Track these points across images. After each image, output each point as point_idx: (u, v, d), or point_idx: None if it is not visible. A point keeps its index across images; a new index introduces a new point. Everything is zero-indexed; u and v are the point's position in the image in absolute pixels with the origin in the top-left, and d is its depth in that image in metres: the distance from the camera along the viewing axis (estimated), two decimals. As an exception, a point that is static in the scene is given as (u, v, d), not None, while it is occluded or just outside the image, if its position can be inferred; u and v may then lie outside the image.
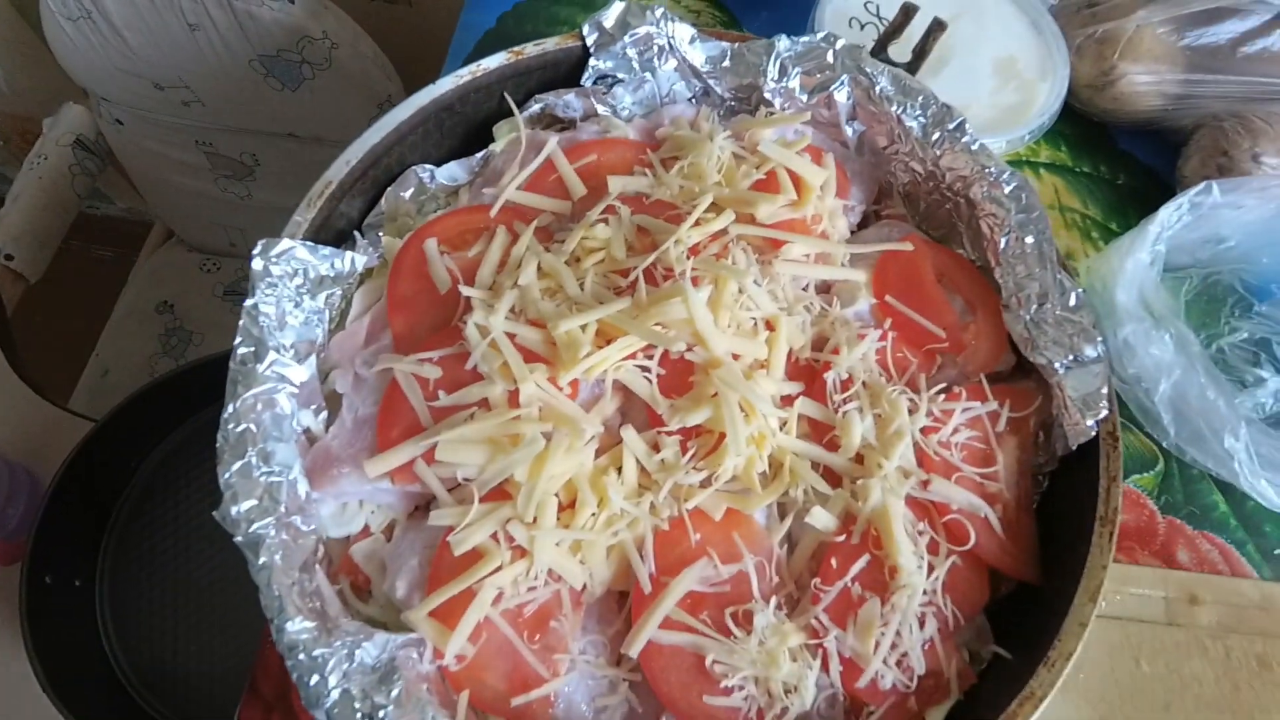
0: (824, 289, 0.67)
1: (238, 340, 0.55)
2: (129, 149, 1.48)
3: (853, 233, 0.72)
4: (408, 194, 0.67)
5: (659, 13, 0.68)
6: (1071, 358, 0.59)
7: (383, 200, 0.66)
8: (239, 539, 0.50)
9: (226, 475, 0.51)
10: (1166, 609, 0.73)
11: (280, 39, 1.21)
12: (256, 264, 0.56)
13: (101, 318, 1.62)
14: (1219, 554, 0.75)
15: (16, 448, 1.21)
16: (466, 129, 0.70)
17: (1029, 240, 0.63)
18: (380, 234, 0.65)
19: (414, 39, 1.52)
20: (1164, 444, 0.73)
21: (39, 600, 1.05)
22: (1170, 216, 0.75)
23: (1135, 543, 0.75)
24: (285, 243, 0.57)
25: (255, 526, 0.50)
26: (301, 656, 0.49)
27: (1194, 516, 0.76)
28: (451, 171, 0.69)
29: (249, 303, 0.56)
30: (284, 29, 1.20)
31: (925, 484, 0.58)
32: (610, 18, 0.69)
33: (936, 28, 0.74)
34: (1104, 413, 0.58)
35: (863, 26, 0.84)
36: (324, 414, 0.60)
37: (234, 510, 0.50)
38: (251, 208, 1.57)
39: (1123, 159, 0.92)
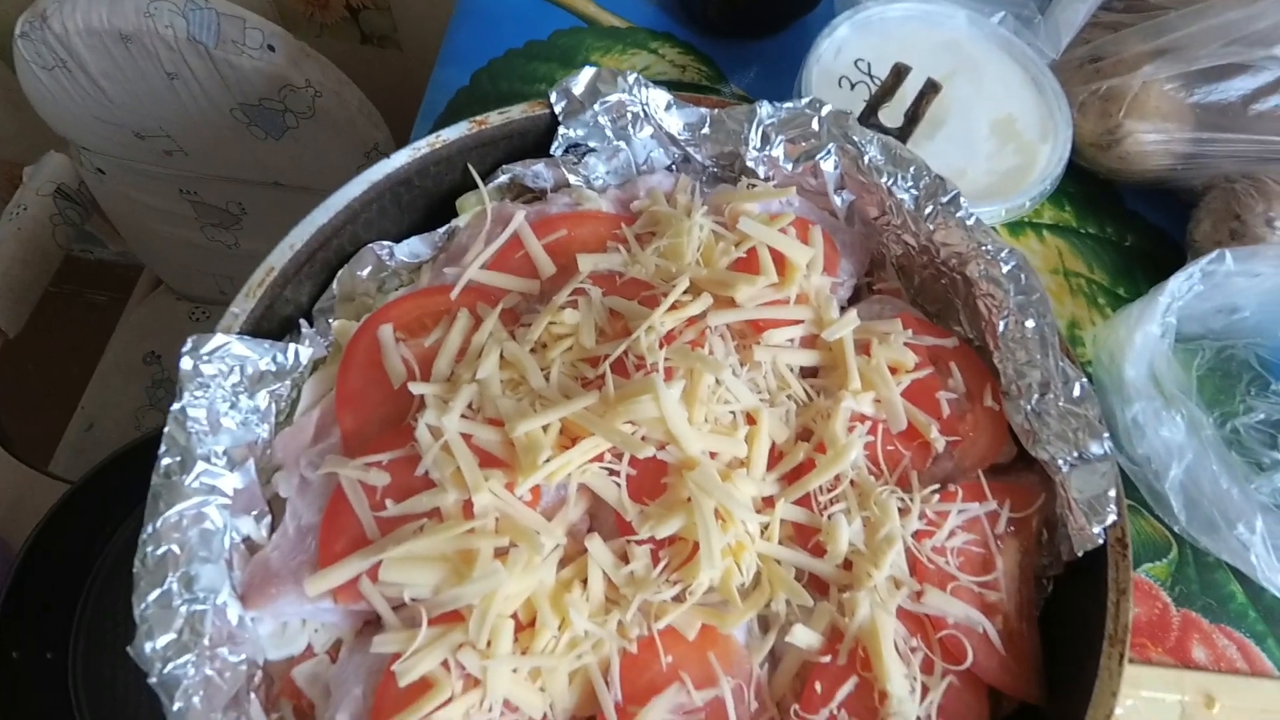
0: (810, 373, 0.63)
1: (162, 449, 0.50)
2: (112, 198, 1.45)
3: (843, 308, 0.67)
4: (365, 272, 0.62)
5: (631, 79, 0.64)
6: (1076, 454, 0.54)
7: (335, 282, 0.61)
8: (153, 680, 0.45)
9: (142, 606, 0.46)
10: (1182, 714, 0.67)
11: (262, 88, 1.18)
12: (185, 363, 0.51)
13: (91, 366, 1.59)
14: (1237, 650, 0.70)
15: (-12, 512, 1.18)
16: (428, 202, 0.66)
17: (1029, 324, 0.58)
18: (331, 320, 0.61)
19: (403, 84, 1.49)
20: (1175, 529, 0.68)
21: (4, 676, 1.00)
22: (1181, 286, 0.71)
23: (1147, 639, 0.69)
24: (219, 338, 0.53)
25: (172, 666, 0.45)
26: (223, 808, 0.44)
27: (1210, 609, 0.71)
28: (413, 247, 0.65)
29: (175, 406, 0.51)
30: (265, 78, 1.17)
31: (918, 595, 0.53)
32: (579, 84, 0.64)
33: (930, 90, 0.70)
34: (1111, 518, 0.53)
35: (853, 86, 0.79)
36: (266, 518, 0.55)
37: (148, 647, 0.45)
38: (239, 256, 1.54)
39: (1130, 219, 0.87)
